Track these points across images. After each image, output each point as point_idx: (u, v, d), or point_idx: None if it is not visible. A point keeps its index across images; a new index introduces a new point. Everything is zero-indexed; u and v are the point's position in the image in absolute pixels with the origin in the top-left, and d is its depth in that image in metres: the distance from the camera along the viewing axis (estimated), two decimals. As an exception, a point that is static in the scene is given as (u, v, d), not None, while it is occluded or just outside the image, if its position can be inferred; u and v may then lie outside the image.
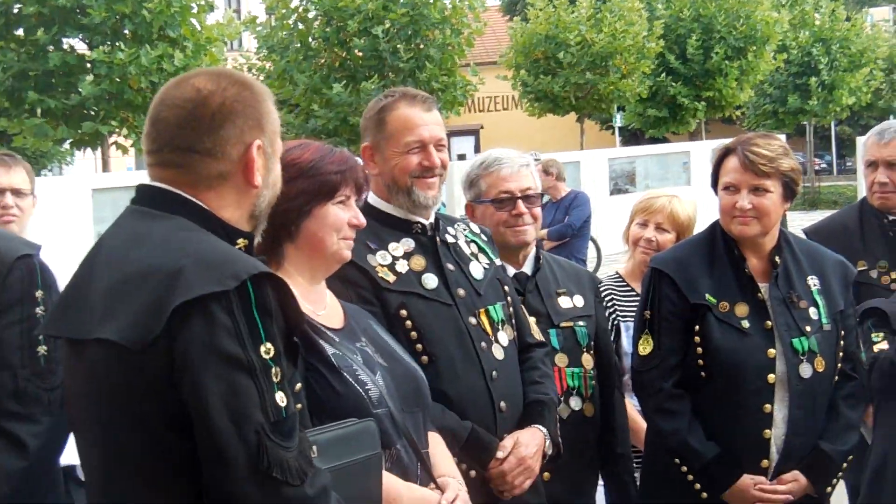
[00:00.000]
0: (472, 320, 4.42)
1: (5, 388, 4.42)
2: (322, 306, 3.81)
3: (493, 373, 4.38)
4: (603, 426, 5.15)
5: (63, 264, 5.30)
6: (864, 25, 44.60)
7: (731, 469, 4.75)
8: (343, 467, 3.13)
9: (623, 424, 5.29)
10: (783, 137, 5.24)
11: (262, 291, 2.80)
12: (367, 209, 4.47)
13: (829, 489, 4.90)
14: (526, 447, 4.37)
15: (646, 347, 4.89)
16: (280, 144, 3.18)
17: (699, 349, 4.78)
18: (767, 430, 4.74)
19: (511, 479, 4.32)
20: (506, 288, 4.66)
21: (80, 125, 22.61)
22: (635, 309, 5.43)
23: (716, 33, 36.31)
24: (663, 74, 36.34)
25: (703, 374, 4.80)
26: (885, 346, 4.80)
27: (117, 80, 21.89)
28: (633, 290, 6.12)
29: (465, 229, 4.72)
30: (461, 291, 4.44)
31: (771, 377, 4.73)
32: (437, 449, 3.96)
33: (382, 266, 4.35)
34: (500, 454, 4.32)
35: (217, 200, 3.03)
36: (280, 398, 2.77)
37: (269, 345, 2.79)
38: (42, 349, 4.43)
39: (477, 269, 4.57)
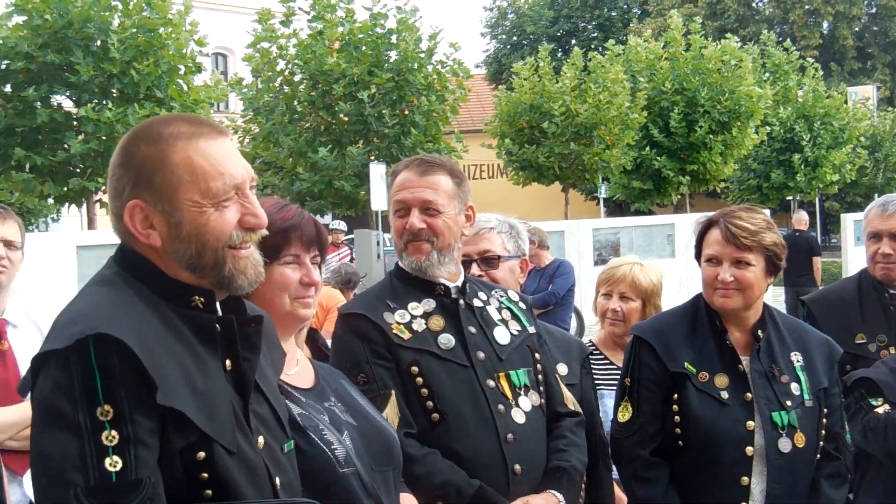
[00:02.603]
0: (491, 383, 4.38)
1: None
2: (292, 366, 3.80)
3: (509, 435, 4.33)
4: (587, 498, 5.11)
5: (46, 321, 5.33)
6: (846, 103, 45.00)
7: (707, 540, 4.71)
8: None
9: (608, 496, 5.24)
10: (767, 212, 5.18)
11: (105, 352, 2.75)
12: (397, 270, 4.59)
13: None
14: None
15: (625, 414, 4.89)
16: (211, 192, 2.98)
17: (677, 418, 4.77)
18: (744, 503, 4.70)
19: None
20: (537, 356, 4.62)
21: (67, 182, 22.62)
22: (610, 377, 5.44)
23: (699, 107, 36.47)
24: (647, 147, 36.48)
25: (680, 442, 4.78)
26: (887, 407, 4.86)
27: (104, 137, 21.89)
28: (606, 358, 6.12)
29: (502, 296, 4.71)
30: (481, 354, 4.42)
31: (749, 450, 4.70)
32: None
33: (399, 324, 4.37)
34: None
35: (151, 253, 3.03)
36: (111, 462, 2.72)
37: (107, 406, 2.74)
38: None
39: (503, 335, 4.54)
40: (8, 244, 5.32)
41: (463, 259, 4.94)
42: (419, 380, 4.30)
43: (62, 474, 2.72)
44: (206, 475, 2.88)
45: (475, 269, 4.98)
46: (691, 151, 36.89)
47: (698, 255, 4.92)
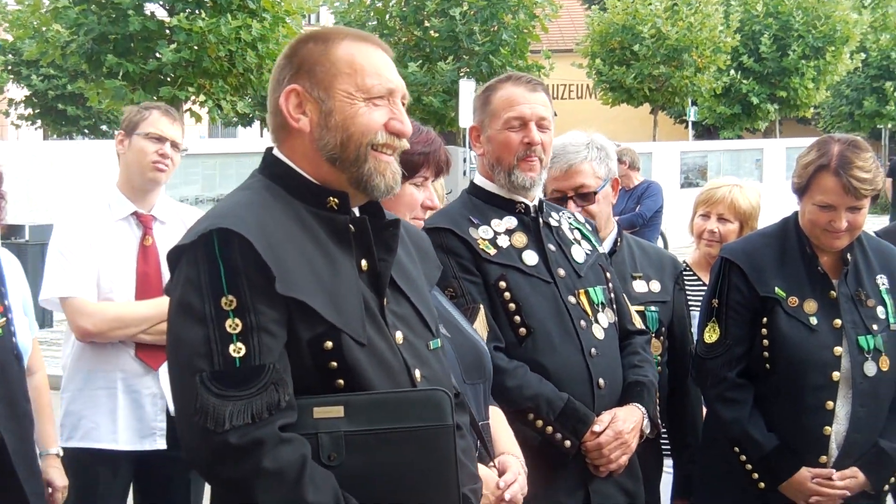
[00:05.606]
0: (572, 299, 4.44)
1: None
2: None
3: (593, 350, 4.39)
4: (674, 416, 5.20)
5: (193, 219, 5.46)
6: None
7: (790, 461, 4.76)
8: (381, 433, 2.97)
9: (694, 414, 5.31)
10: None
11: (228, 245, 2.92)
12: (473, 189, 4.61)
13: (886, 486, 4.90)
14: (624, 422, 4.38)
15: (712, 336, 4.90)
16: (366, 87, 3.12)
17: (765, 342, 4.79)
18: (828, 427, 4.74)
19: (607, 454, 4.34)
20: (608, 274, 4.68)
21: (157, 90, 22.73)
22: (702, 297, 5.45)
23: (793, 32, 35.98)
24: (734, 71, 36.06)
25: (767, 366, 4.81)
26: None
27: (196, 47, 21.96)
28: (699, 279, 6.13)
29: (570, 217, 4.74)
30: (561, 271, 4.46)
31: (835, 374, 4.72)
32: (498, 424, 3.99)
33: (484, 239, 4.41)
34: (596, 427, 4.33)
35: (291, 154, 3.17)
36: (234, 349, 2.88)
37: (231, 297, 2.90)
38: None
39: (579, 253, 4.58)
40: (174, 145, 5.60)
41: (558, 195, 4.99)
42: (507, 294, 4.35)
43: (191, 362, 2.89)
44: (334, 364, 3.00)
45: (572, 206, 4.96)
46: (782, 77, 36.48)
47: (802, 192, 4.82)
